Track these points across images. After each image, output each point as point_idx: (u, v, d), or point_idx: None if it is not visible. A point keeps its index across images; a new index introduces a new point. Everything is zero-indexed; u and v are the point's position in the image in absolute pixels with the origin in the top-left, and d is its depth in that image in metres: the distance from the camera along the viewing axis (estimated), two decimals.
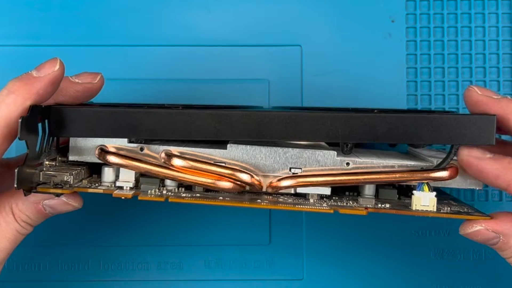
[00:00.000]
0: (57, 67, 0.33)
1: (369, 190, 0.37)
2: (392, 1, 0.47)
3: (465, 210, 0.35)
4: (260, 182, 0.35)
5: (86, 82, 0.35)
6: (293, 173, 0.35)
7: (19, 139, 0.31)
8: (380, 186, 0.37)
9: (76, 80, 0.35)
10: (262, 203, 0.34)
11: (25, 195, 0.32)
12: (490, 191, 0.47)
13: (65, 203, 0.34)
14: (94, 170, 0.37)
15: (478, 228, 0.33)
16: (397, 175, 0.35)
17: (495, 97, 0.34)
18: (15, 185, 0.31)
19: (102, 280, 0.46)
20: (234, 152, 0.35)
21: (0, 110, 0.31)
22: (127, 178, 0.35)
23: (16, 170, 0.31)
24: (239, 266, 0.46)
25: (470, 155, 0.34)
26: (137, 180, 0.36)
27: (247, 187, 0.35)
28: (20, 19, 0.46)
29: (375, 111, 0.35)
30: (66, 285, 0.46)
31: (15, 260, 0.46)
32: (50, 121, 0.34)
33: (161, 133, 0.33)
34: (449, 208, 0.35)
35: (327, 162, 0.35)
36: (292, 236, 0.46)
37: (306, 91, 0.47)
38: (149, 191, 0.35)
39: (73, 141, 0.36)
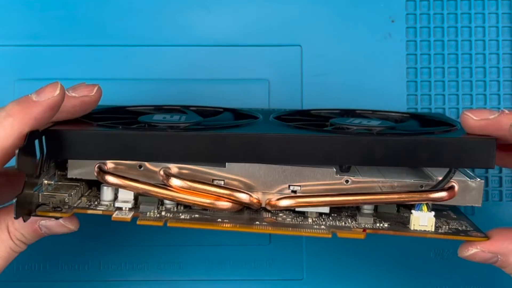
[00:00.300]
0: (57, 92, 0.32)
1: (368, 209, 0.36)
2: (392, 1, 0.47)
3: (463, 227, 0.35)
4: (258, 200, 0.35)
5: (83, 96, 0.34)
6: (292, 191, 0.35)
7: (17, 169, 0.30)
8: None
9: (73, 94, 0.34)
10: (261, 226, 0.34)
11: (24, 220, 0.32)
12: (490, 192, 0.47)
13: (61, 225, 0.34)
14: (93, 182, 0.37)
15: (474, 251, 0.33)
16: (395, 196, 0.34)
17: (492, 116, 0.33)
18: (14, 215, 0.31)
19: (102, 280, 0.46)
20: (233, 170, 0.35)
21: None
22: (126, 198, 0.35)
23: (14, 201, 0.30)
24: (239, 266, 0.46)
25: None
26: (136, 198, 0.35)
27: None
28: (20, 19, 0.46)
29: (375, 132, 0.35)
30: (66, 285, 0.46)
31: (15, 260, 0.45)
32: (47, 144, 0.34)
33: (158, 155, 0.34)
34: (447, 225, 0.35)
35: (326, 179, 0.35)
36: (292, 236, 0.46)
37: (306, 91, 0.47)
38: (148, 213, 0.35)
39: (73, 166, 0.35)
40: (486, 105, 0.47)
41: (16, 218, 0.31)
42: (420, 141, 0.33)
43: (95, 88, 0.35)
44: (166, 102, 0.44)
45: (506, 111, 0.33)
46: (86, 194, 0.37)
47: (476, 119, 0.33)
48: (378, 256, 0.46)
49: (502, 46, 0.47)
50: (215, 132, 0.34)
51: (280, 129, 0.36)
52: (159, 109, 0.42)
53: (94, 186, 0.37)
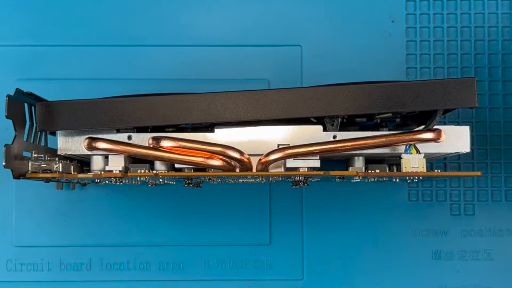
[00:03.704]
0: None
1: (358, 163, 0.37)
2: (392, 1, 0.47)
3: None
4: (249, 160, 0.35)
5: None
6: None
7: (6, 116, 0.31)
8: (369, 162, 0.38)
9: None
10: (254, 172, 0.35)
11: (13, 177, 0.32)
12: (490, 191, 0.47)
13: None
14: (84, 166, 0.38)
15: None
16: (384, 139, 0.35)
17: None
18: (3, 163, 0.31)
19: (102, 280, 0.46)
20: (222, 135, 0.36)
21: None
22: (116, 166, 0.35)
23: (4, 148, 0.31)
24: (239, 266, 0.46)
25: None
26: (126, 169, 0.36)
27: (237, 169, 0.35)
28: (20, 19, 0.46)
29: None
30: (66, 285, 0.46)
31: (15, 260, 0.46)
32: (36, 117, 0.34)
33: (149, 119, 0.34)
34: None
35: (314, 137, 0.35)
36: (292, 236, 0.46)
37: None
38: (139, 170, 0.35)
39: (63, 141, 0.36)
40: (486, 106, 0.47)
41: (6, 167, 0.31)
42: (402, 85, 0.34)
43: None
44: None
45: None
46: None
47: None
48: (377, 256, 0.46)
49: (502, 46, 0.47)
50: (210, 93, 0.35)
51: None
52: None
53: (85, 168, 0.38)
